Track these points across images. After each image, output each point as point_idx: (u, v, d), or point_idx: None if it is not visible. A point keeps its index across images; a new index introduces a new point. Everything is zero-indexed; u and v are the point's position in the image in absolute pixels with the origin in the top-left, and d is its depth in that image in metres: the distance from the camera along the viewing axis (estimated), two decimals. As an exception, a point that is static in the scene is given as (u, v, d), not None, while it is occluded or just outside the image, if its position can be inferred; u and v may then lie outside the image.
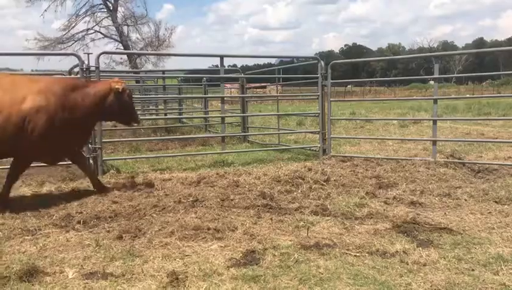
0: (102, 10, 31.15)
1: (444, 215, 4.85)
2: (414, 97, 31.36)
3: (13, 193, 5.81)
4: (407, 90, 54.88)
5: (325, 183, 6.17)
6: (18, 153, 5.33)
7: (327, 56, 77.64)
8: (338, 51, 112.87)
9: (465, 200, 5.40)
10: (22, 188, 6.17)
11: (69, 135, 5.43)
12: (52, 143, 5.34)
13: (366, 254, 3.74)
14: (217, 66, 9.47)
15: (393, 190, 5.87)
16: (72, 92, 5.48)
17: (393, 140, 10.87)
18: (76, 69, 7.39)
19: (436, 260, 3.60)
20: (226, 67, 11.24)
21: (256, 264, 3.54)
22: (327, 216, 4.79)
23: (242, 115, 12.00)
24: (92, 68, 7.02)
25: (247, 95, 12.71)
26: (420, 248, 3.85)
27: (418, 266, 3.49)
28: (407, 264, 3.52)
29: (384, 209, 5.01)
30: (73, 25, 30.80)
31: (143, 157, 8.57)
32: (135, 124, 6.41)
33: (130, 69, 23.83)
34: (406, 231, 4.27)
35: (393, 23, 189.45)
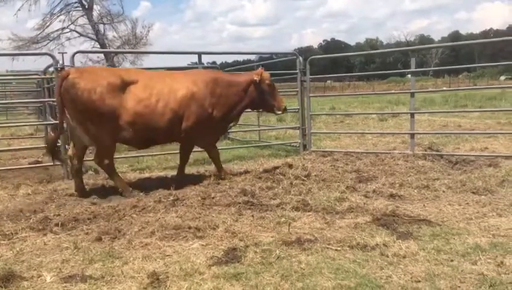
0: (78, 9, 30.62)
1: (422, 207, 4.91)
2: (392, 91, 31.67)
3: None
4: (385, 85, 55.43)
5: (305, 179, 6.18)
6: (181, 136, 6.06)
7: (306, 52, 77.72)
8: (317, 47, 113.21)
9: (443, 191, 5.48)
10: (-3, 192, 6.03)
11: (219, 119, 6.14)
12: (207, 126, 6.04)
13: (347, 248, 3.77)
14: (195, 63, 9.39)
15: (373, 183, 5.92)
16: (219, 81, 6.19)
17: (372, 134, 10.98)
18: (51, 69, 7.24)
19: (416, 251, 3.65)
20: (205, 64, 11.14)
21: (238, 262, 3.52)
22: (308, 211, 4.81)
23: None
24: (67, 68, 6.89)
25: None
26: (400, 240, 3.90)
27: (398, 258, 3.53)
28: (387, 257, 3.56)
29: (364, 203, 5.05)
30: (48, 24, 30.21)
31: (122, 157, 8.46)
32: (279, 112, 6.63)
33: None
34: (386, 224, 4.32)
35: (370, 18, 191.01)
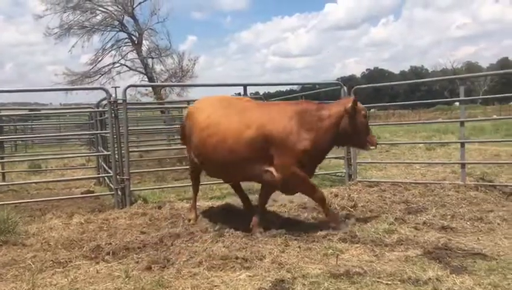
0: (128, 44, 31.84)
1: (477, 240, 4.72)
2: (440, 120, 30.86)
3: (43, 225, 5.94)
4: (431, 113, 54.01)
5: (352, 210, 6.10)
6: None
7: (348, 80, 77.29)
8: (360, 75, 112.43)
9: (498, 224, 5.26)
10: (52, 220, 6.27)
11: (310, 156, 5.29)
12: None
13: (398, 282, 3.66)
14: (239, 94, 9.57)
15: (422, 215, 5.75)
16: (306, 115, 5.38)
17: (420, 164, 10.72)
18: (104, 102, 7.59)
19: (471, 287, 3.50)
20: (249, 95, 11.31)
21: (286, 294, 3.49)
22: (356, 243, 4.72)
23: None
24: (119, 101, 7.20)
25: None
26: (454, 275, 3.74)
27: (452, 294, 3.39)
28: (441, 292, 3.42)
29: (414, 235, 4.91)
30: (99, 59, 31.55)
31: (169, 187, 8.64)
32: (372, 147, 5.72)
33: (155, 100, 24.23)
34: (438, 257, 4.17)
35: (415, 46, 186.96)
